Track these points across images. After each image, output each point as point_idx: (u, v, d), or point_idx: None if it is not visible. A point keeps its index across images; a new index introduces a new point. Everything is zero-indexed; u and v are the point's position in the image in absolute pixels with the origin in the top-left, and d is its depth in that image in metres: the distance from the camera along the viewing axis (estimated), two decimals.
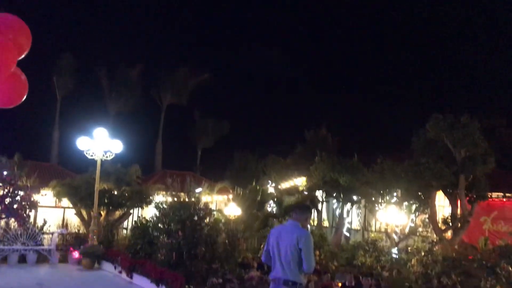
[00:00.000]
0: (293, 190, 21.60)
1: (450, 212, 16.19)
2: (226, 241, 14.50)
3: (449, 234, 15.76)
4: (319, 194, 21.94)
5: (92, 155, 17.11)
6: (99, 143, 17.12)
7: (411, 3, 59.21)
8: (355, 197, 19.73)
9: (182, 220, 13.58)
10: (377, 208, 17.94)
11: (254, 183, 22.04)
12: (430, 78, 50.18)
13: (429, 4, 58.35)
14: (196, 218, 13.81)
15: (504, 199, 18.10)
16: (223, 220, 18.28)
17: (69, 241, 18.85)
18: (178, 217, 13.64)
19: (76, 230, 20.19)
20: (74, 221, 20.90)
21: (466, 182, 15.30)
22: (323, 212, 22.69)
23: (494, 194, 17.65)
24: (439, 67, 51.27)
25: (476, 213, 16.42)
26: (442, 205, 18.52)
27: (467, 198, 15.76)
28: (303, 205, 7.60)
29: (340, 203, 20.09)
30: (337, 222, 20.28)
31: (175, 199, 18.64)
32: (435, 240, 14.61)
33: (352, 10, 61.87)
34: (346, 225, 20.84)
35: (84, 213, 19.51)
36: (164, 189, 21.66)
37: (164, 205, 14.78)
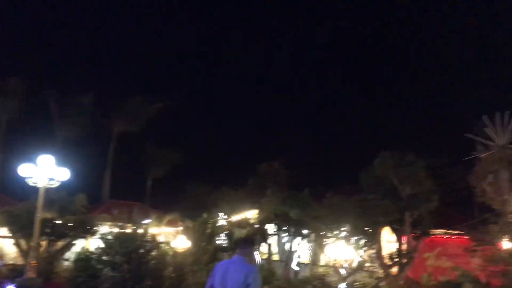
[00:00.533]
0: (244, 223, 21.45)
1: (397, 248, 16.55)
2: (173, 274, 14.10)
3: (395, 269, 16.06)
4: (270, 227, 21.88)
5: (35, 183, 16.37)
6: (44, 170, 16.42)
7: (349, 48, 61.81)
8: (305, 231, 19.81)
9: (128, 252, 13.15)
10: (326, 243, 18.08)
11: (204, 215, 21.73)
12: (380, 117, 52.05)
13: (374, 46, 61.14)
14: (142, 250, 13.40)
15: (447, 236, 18.74)
16: (171, 253, 17.81)
17: (4, 274, 17.72)
18: (124, 249, 13.20)
19: (14, 262, 19.04)
20: (12, 252, 19.73)
21: (411, 219, 15.76)
22: (274, 245, 22.60)
23: (438, 231, 18.25)
24: (389, 106, 53.30)
25: (421, 249, 16.87)
26: (389, 240, 18.90)
27: (412, 234, 16.19)
28: (247, 239, 7.41)
29: (291, 237, 20.11)
30: (287, 256, 20.23)
31: (121, 230, 18.04)
32: (381, 276, 14.84)
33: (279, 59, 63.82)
34: (296, 259, 20.81)
35: (23, 243, 18.47)
36: (110, 220, 20.95)
37: (109, 237, 14.27)
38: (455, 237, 18.52)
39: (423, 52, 57.31)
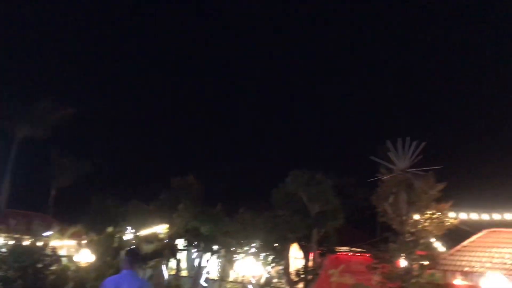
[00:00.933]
0: (153, 238, 20.86)
1: (303, 264, 16.98)
2: None
3: (301, 286, 16.44)
4: (180, 242, 21.48)
5: None
6: None
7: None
8: (215, 247, 19.71)
9: (23, 267, 12.18)
10: (235, 258, 18.11)
11: (110, 229, 20.81)
12: (292, 136, 53.63)
13: (272, 73, 63.16)
14: (40, 265, 12.48)
15: (351, 253, 19.59)
16: (72, 268, 16.80)
17: None
18: (19, 263, 12.21)
19: None
20: None
21: (318, 236, 16.28)
22: (183, 261, 22.20)
23: (342, 248, 19.01)
24: (301, 126, 55.10)
25: (326, 266, 17.46)
26: (297, 257, 19.36)
27: (319, 251, 16.72)
28: (133, 252, 6.77)
29: (200, 252, 19.89)
30: (196, 271, 19.96)
31: (17, 243, 16.71)
32: None
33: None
34: (205, 275, 20.60)
35: None
36: (6, 231, 19.34)
37: (3, 250, 13.14)
38: (358, 254, 19.43)
39: (332, 74, 60.12)
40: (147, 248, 19.61)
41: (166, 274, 20.30)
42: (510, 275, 14.46)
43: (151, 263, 19.66)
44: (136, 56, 68.02)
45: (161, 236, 21.01)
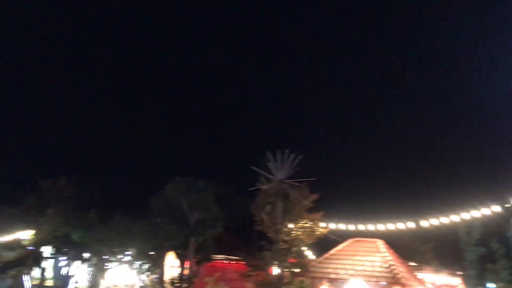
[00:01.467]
0: (15, 245, 19.03)
1: (179, 272, 16.77)
2: None
3: None
4: (47, 249, 19.90)
5: None
6: None
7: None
8: (87, 254, 18.62)
9: None
10: (108, 267, 17.29)
11: None
12: (173, 144, 52.72)
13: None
14: None
15: (227, 261, 19.81)
16: None
17: None
18: None
19: None
20: None
21: (196, 244, 16.22)
22: (49, 270, 20.58)
23: (219, 256, 19.14)
24: (180, 134, 54.39)
25: (202, 274, 17.42)
26: (173, 265, 19.07)
27: (195, 259, 16.65)
28: None
29: (70, 261, 18.64)
30: (63, 281, 18.64)
31: None
32: None
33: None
34: (73, 285, 19.33)
35: None
36: None
37: None
38: (235, 262, 19.69)
39: (213, 82, 60.62)
40: (7, 256, 17.85)
41: (28, 285, 18.65)
42: (369, 281, 15.75)
43: (12, 272, 17.92)
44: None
45: (25, 242, 19.26)
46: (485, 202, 17.69)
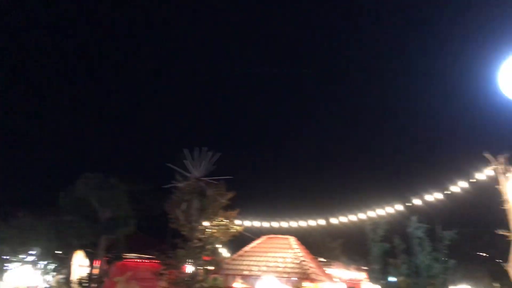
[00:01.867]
0: None
1: (88, 272, 16.08)
2: None
3: None
4: None
5: None
6: None
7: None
8: None
9: None
10: (8, 268, 16.10)
11: None
12: (83, 138, 50.25)
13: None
14: None
15: (139, 260, 19.34)
16: None
17: None
18: None
19: None
20: None
21: (107, 243, 15.64)
22: None
23: (131, 255, 18.63)
24: (94, 128, 52.00)
25: (112, 273, 16.85)
26: (82, 265, 18.26)
27: (106, 258, 16.06)
28: None
29: None
30: None
31: None
32: None
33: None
34: None
35: None
36: None
37: None
38: (147, 261, 19.27)
39: (132, 78, 58.97)
40: None
41: None
42: (281, 277, 16.21)
43: None
44: None
45: None
46: (389, 201, 18.92)
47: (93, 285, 15.30)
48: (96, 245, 15.57)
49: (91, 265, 16.02)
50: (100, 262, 15.69)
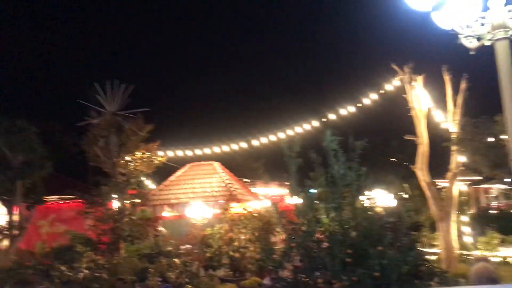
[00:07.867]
0: None
1: (7, 220, 15.42)
2: None
3: (6, 243, 14.97)
4: None
5: None
6: None
7: None
8: None
9: None
10: None
11: None
12: None
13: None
14: None
15: (61, 202, 18.86)
16: None
17: None
18: None
19: None
20: None
21: (23, 188, 14.95)
22: None
23: (52, 198, 18.08)
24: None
25: (34, 218, 16.33)
26: (1, 213, 17.48)
27: (25, 204, 15.45)
28: None
29: None
30: None
31: None
32: None
33: None
34: None
35: None
36: None
37: None
38: (71, 202, 18.85)
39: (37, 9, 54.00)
40: None
41: None
42: (209, 201, 16.70)
43: None
44: None
45: None
46: (306, 118, 19.68)
47: (14, 231, 14.76)
48: (12, 192, 14.84)
49: (10, 213, 15.34)
50: (19, 208, 15.05)
